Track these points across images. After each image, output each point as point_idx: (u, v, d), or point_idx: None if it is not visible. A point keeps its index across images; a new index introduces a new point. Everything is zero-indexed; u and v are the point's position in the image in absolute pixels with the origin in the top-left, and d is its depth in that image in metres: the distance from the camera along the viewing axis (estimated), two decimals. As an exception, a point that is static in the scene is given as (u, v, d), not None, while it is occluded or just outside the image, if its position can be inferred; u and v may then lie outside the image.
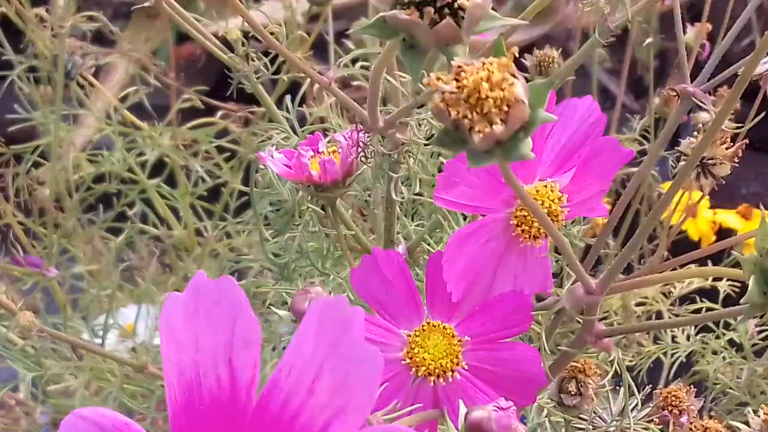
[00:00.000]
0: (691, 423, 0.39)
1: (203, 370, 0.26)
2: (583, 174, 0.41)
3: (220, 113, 0.83)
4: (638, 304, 0.83)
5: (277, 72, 0.57)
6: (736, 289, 0.81)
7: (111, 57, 0.84)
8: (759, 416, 0.50)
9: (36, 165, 0.84)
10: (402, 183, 0.56)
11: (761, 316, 0.77)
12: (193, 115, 0.86)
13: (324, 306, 0.25)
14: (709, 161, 0.72)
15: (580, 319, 0.38)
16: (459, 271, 0.39)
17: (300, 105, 0.62)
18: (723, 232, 0.94)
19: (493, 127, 0.25)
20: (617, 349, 0.80)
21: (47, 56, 0.78)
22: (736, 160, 0.50)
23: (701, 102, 0.40)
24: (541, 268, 0.41)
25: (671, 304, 0.82)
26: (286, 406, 0.25)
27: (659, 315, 0.82)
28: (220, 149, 0.86)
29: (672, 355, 0.78)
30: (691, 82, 0.45)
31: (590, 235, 0.90)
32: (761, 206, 0.33)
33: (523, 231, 0.40)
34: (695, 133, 0.78)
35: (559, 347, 0.43)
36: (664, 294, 0.83)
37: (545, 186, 0.40)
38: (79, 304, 0.88)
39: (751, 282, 0.29)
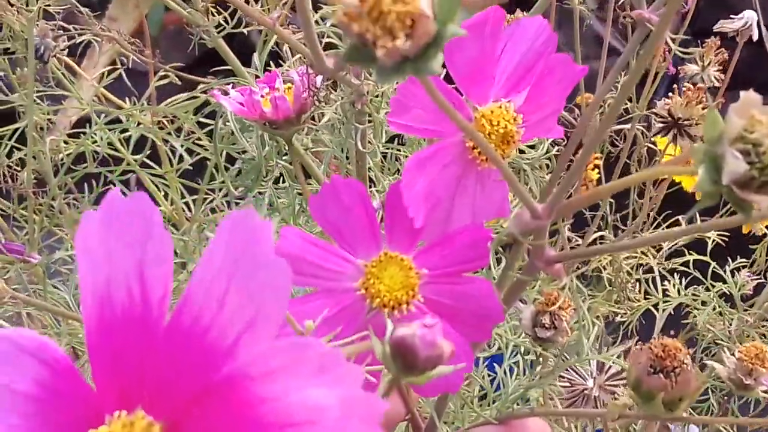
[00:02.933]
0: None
1: (116, 286, 0.25)
2: (538, 93, 0.39)
3: (200, 87, 0.82)
4: (628, 258, 0.82)
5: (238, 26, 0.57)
6: (725, 239, 0.80)
7: (86, 36, 0.83)
8: (734, 356, 0.49)
9: (17, 149, 0.83)
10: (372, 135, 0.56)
11: (751, 265, 0.77)
12: (177, 90, 0.85)
13: (233, 219, 0.24)
14: (685, 122, 0.71)
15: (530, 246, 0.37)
16: (419, 195, 0.38)
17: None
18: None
19: (397, 41, 0.24)
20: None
21: (26, 38, 0.78)
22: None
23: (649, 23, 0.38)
24: (498, 191, 0.40)
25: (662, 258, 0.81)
26: (197, 321, 0.25)
27: (649, 269, 0.81)
28: (202, 125, 0.85)
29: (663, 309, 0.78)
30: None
31: (582, 192, 0.89)
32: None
33: (480, 153, 0.39)
34: (670, 93, 0.77)
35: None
36: (654, 247, 0.82)
37: (499, 107, 0.39)
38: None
39: (700, 171, 0.29)
